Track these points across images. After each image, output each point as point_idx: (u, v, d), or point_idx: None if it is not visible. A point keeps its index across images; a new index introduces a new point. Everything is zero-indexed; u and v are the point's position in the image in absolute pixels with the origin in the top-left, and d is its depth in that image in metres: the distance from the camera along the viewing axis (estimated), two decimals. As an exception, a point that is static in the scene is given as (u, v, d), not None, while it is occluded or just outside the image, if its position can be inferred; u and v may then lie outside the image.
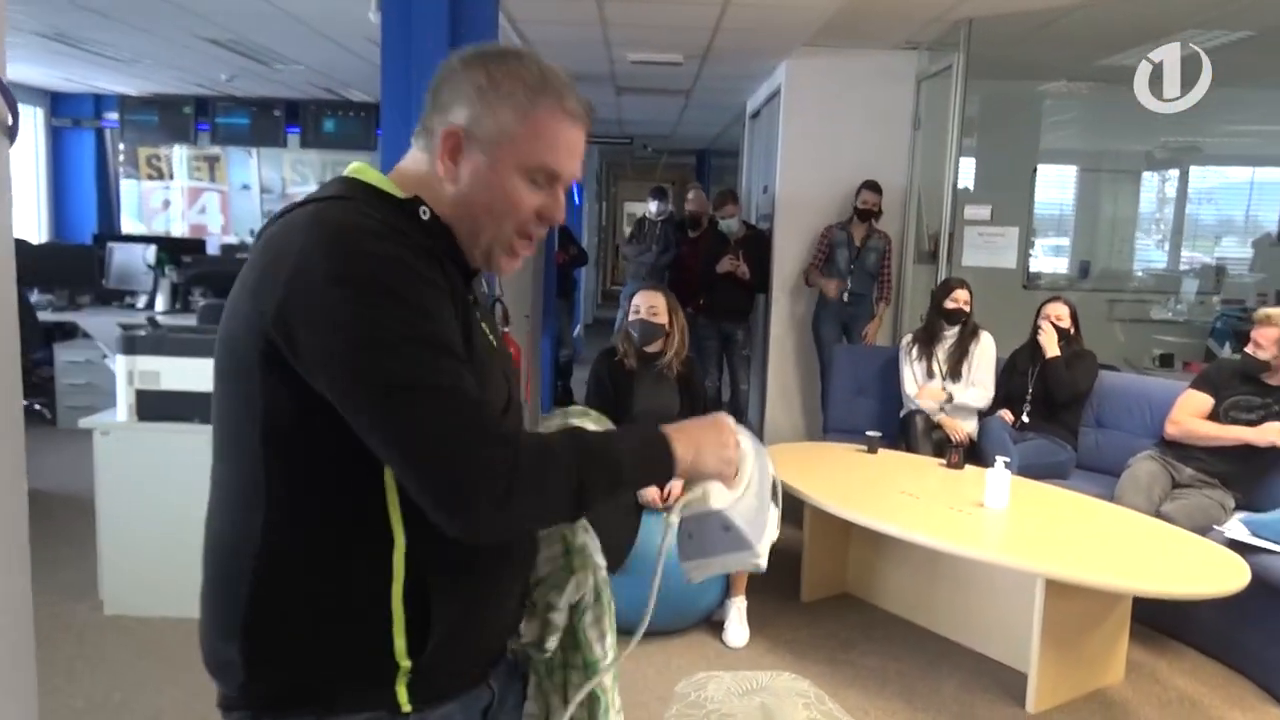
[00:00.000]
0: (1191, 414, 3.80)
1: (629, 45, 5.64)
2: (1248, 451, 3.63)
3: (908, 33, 5.33)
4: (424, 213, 1.06)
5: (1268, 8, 4.23)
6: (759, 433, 6.29)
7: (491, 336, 1.15)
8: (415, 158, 1.10)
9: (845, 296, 5.61)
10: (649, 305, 3.53)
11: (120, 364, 3.31)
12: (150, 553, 3.35)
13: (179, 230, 9.38)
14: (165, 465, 3.29)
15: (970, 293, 4.55)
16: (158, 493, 3.33)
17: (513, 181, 1.07)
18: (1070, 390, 4.27)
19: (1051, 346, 4.28)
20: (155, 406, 3.32)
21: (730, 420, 1.15)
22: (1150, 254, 8.17)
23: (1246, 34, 4.92)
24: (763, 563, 1.16)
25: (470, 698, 1.15)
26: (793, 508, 4.17)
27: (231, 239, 9.40)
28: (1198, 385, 3.87)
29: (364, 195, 1.06)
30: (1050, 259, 8.05)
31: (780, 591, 3.82)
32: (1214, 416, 3.76)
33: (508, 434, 0.96)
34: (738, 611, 3.47)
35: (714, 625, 3.52)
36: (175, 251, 7.00)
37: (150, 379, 3.31)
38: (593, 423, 1.26)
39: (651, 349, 3.56)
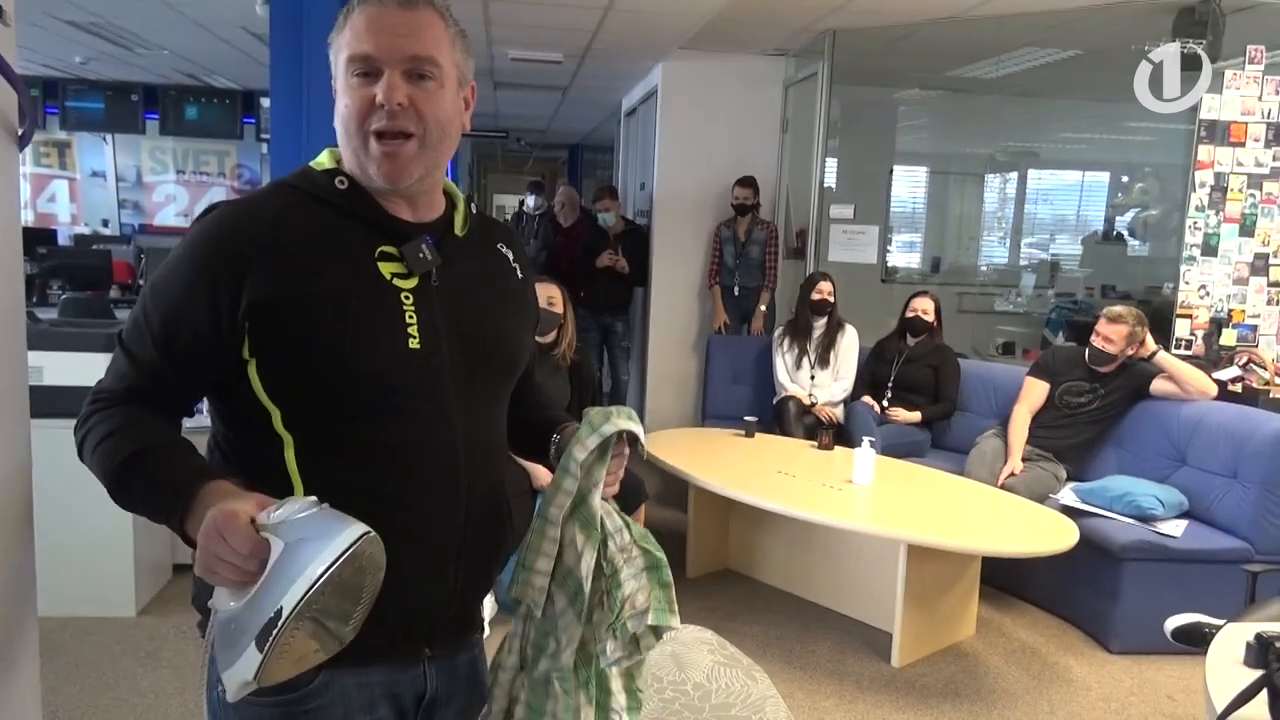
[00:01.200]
0: (1031, 402, 4.19)
1: (510, 43, 5.75)
2: (1077, 430, 4.08)
3: (777, 40, 5.64)
4: (340, 182, 1.16)
5: (1093, 30, 4.71)
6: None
7: (402, 285, 1.16)
8: None
9: (736, 290, 5.90)
10: (547, 296, 3.67)
11: (-1, 359, 3.22)
12: (38, 552, 3.28)
13: (24, 220, 8.86)
14: (51, 463, 3.20)
15: (833, 284, 4.88)
16: (45, 491, 3.22)
17: (342, 85, 1.14)
18: (954, 408, 4.68)
19: (911, 417, 4.64)
20: (39, 403, 3.22)
21: (237, 534, 0.93)
22: (994, 250, 8.83)
23: (1075, 52, 5.46)
24: (229, 695, 0.95)
25: (398, 674, 1.19)
26: (677, 489, 4.41)
27: (83, 229, 8.95)
28: (1034, 373, 4.29)
29: (299, 175, 1.19)
30: (905, 254, 8.59)
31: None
32: (1050, 400, 4.19)
33: (109, 399, 1.12)
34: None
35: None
36: (25, 243, 6.64)
37: (33, 374, 3.23)
38: (625, 418, 1.21)
39: (545, 340, 3.71)
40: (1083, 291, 7.53)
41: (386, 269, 1.15)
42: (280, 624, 0.88)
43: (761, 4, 4.68)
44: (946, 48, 5.57)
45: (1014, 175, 8.57)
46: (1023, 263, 8.53)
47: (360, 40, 1.11)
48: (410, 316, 1.14)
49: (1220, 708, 1.60)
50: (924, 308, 4.72)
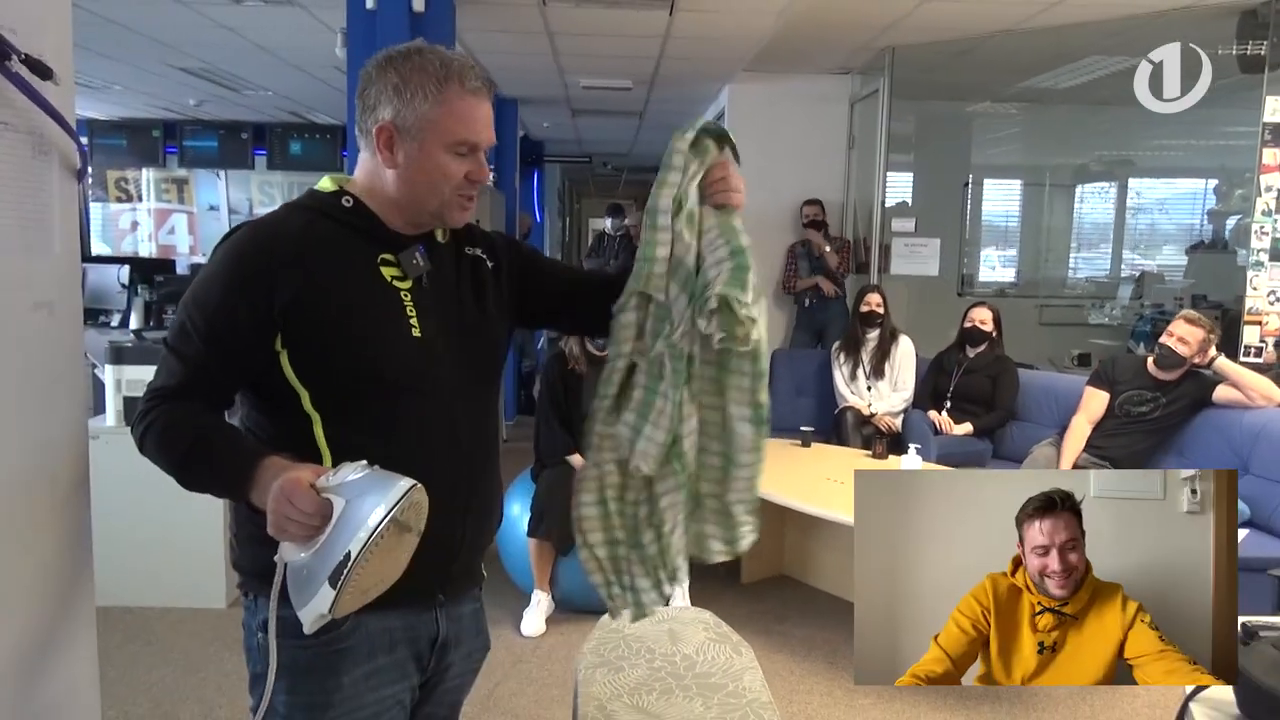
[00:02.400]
0: (1090, 413, 4.17)
1: (580, 72, 6.01)
2: (1136, 439, 4.04)
3: (838, 60, 5.75)
4: (346, 201, 1.36)
5: (1155, 37, 4.66)
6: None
7: (401, 286, 1.36)
8: (361, 156, 1.39)
9: (807, 302, 6.03)
10: None
11: (109, 373, 3.60)
12: (136, 547, 3.62)
13: (147, 251, 9.56)
14: (150, 466, 3.56)
15: (883, 297, 4.94)
16: (143, 492, 3.56)
17: (442, 159, 1.33)
18: (1008, 416, 4.69)
19: (962, 429, 4.65)
20: (142, 411, 3.59)
21: (302, 497, 1.15)
22: (1091, 261, 8.58)
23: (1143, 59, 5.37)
24: (305, 628, 1.18)
25: (414, 618, 1.38)
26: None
27: (200, 259, 9.59)
28: (1094, 383, 4.25)
29: (309, 197, 1.39)
30: (998, 267, 8.45)
31: (723, 574, 4.15)
32: (1109, 409, 4.15)
33: (164, 395, 1.29)
34: (681, 590, 3.80)
35: (660, 604, 3.85)
36: (146, 272, 7.20)
37: (136, 387, 3.60)
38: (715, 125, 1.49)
39: (602, 353, 3.89)
40: (1173, 302, 7.31)
41: (387, 273, 1.36)
42: (350, 564, 1.10)
43: (815, 26, 4.81)
44: (1010, 60, 5.57)
45: (1109, 184, 8.35)
46: (1124, 274, 8.29)
47: (470, 128, 1.33)
48: (411, 311, 1.35)
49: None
50: (981, 318, 4.73)
